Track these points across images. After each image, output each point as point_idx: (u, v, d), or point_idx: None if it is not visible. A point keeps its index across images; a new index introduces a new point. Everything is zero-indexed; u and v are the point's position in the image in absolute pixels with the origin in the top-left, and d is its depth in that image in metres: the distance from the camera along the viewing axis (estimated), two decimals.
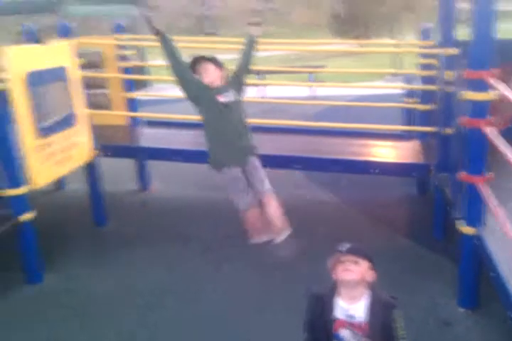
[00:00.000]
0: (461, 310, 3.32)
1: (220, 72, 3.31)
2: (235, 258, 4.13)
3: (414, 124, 5.28)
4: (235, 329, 3.21)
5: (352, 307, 2.01)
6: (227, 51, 5.31)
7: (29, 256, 3.76)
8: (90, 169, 4.72)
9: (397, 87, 9.81)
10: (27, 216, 3.68)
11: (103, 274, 3.93)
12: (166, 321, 3.31)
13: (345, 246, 2.04)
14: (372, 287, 2.06)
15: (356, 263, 2.01)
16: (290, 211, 5.01)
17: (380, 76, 13.56)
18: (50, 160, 3.96)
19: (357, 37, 18.82)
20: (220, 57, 3.39)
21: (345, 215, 4.94)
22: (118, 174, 5.86)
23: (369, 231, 4.55)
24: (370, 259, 2.06)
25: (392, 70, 11.25)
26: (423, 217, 4.62)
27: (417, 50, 5.34)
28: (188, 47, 4.97)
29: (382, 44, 15.32)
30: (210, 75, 3.26)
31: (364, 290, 2.03)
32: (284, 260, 3.97)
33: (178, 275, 3.89)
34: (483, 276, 3.02)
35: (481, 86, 3.02)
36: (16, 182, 3.64)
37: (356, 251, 2.03)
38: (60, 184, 5.77)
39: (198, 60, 3.29)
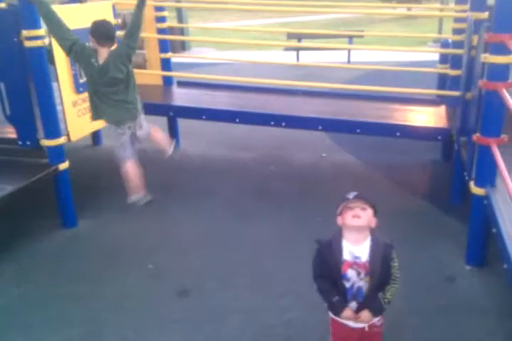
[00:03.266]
0: (467, 267, 3.45)
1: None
2: (256, 211, 4.36)
3: (446, 90, 5.27)
4: (256, 272, 3.47)
5: (357, 249, 2.17)
6: None
7: (65, 203, 4.06)
8: None
9: (423, 51, 9.64)
10: (63, 165, 3.98)
11: (133, 221, 4.22)
12: (193, 264, 3.58)
13: (353, 193, 2.20)
14: (373, 231, 2.22)
15: (364, 209, 2.17)
16: (313, 171, 5.22)
17: (423, 42, 13.21)
18: (86, 115, 4.22)
19: (403, 1, 18.21)
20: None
21: (367, 177, 5.06)
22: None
23: (388, 192, 4.66)
24: (374, 207, 2.21)
25: (432, 35, 10.97)
26: (444, 182, 4.68)
27: (446, 14, 5.26)
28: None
29: (429, 8, 14.87)
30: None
31: (367, 234, 2.20)
32: (302, 216, 4.21)
33: (204, 225, 4.14)
34: (492, 238, 3.12)
35: (502, 49, 3.04)
36: (53, 134, 3.92)
37: (364, 198, 2.19)
38: (96, 140, 6.08)
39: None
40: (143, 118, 3.80)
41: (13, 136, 4.00)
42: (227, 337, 2.87)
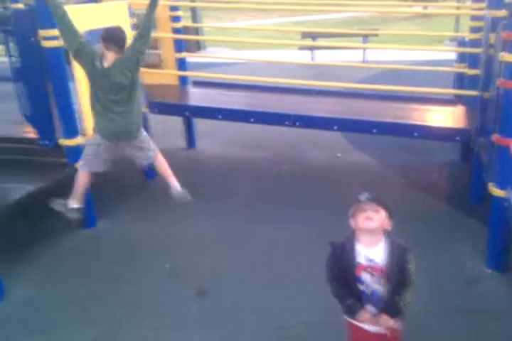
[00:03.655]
0: (488, 270, 3.40)
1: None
2: (271, 211, 4.36)
3: (463, 89, 5.21)
4: (271, 272, 3.48)
5: (371, 252, 2.14)
6: None
7: (84, 203, 4.09)
8: None
9: (440, 50, 9.53)
10: None
11: (151, 221, 4.26)
12: (210, 264, 3.60)
13: (366, 195, 2.15)
14: (387, 233, 2.19)
15: (377, 211, 2.12)
16: (328, 172, 5.19)
17: (439, 41, 13.07)
18: None
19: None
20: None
21: (383, 178, 5.02)
22: (168, 132, 6.14)
23: (406, 193, 4.63)
24: (388, 209, 2.16)
25: (449, 33, 10.86)
26: (462, 183, 4.63)
27: (462, 12, 5.20)
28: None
29: (445, 6, 14.71)
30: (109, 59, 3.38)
31: (381, 237, 2.16)
32: (317, 216, 4.19)
33: (221, 226, 4.16)
34: None
35: None
36: (72, 134, 3.95)
37: (376, 200, 2.14)
38: None
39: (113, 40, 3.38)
40: (145, 140, 3.65)
41: (32, 135, 4.04)
42: (243, 337, 2.88)
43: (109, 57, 3.40)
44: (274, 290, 3.28)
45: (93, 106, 3.52)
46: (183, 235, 4.04)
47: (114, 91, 3.41)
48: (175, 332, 2.93)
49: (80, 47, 3.39)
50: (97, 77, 3.40)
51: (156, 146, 3.75)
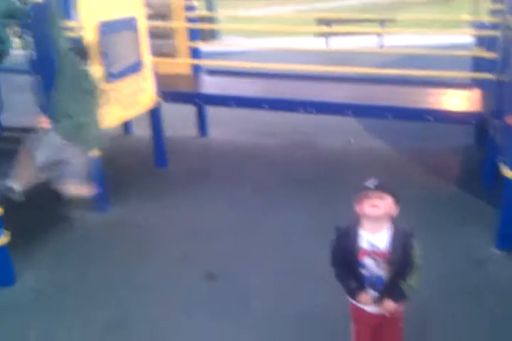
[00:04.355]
0: (497, 251, 3.39)
1: None
2: (283, 197, 4.37)
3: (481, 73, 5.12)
4: (283, 257, 3.51)
5: (375, 237, 2.14)
6: None
7: (97, 189, 4.15)
8: (153, 115, 5.04)
9: (458, 33, 9.34)
10: (94, 153, 4.06)
11: (162, 208, 4.30)
12: (221, 250, 3.63)
13: (372, 182, 2.12)
14: (393, 219, 2.17)
15: (382, 198, 2.10)
16: (342, 158, 5.18)
17: (458, 25, 12.81)
18: (117, 104, 4.29)
19: None
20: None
21: (398, 163, 4.99)
22: (180, 121, 6.18)
23: (420, 178, 4.60)
24: (394, 195, 2.14)
25: (468, 17, 10.62)
26: (477, 166, 4.57)
27: None
28: None
29: None
30: None
31: (386, 223, 2.15)
32: (328, 203, 4.19)
33: (234, 211, 4.18)
34: None
35: None
36: None
37: (382, 187, 2.12)
38: (127, 129, 6.18)
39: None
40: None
41: (46, 125, 4.09)
42: (254, 320, 2.90)
43: None
44: (286, 275, 3.30)
45: None
46: (195, 221, 4.07)
47: None
48: (184, 316, 2.96)
49: None
50: None
51: None
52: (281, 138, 5.86)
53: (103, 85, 4.15)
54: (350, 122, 6.05)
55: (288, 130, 6.10)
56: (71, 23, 3.72)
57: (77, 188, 3.41)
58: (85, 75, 3.44)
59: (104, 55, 4.08)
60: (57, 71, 3.36)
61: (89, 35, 3.84)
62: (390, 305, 2.16)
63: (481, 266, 3.27)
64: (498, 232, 3.42)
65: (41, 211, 4.20)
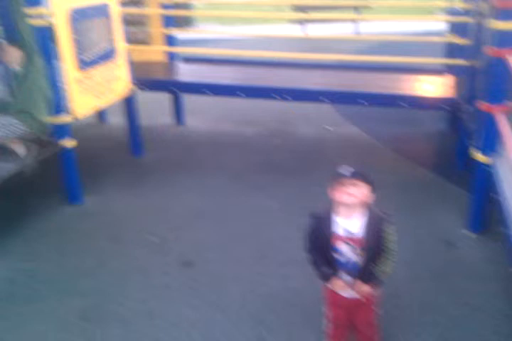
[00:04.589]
0: (467, 232, 3.47)
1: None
2: (260, 183, 4.39)
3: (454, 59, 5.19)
4: (258, 242, 3.53)
5: (349, 223, 2.15)
6: None
7: (70, 179, 4.09)
8: (129, 103, 4.99)
9: (430, 20, 9.41)
10: (69, 142, 4.01)
11: (138, 197, 4.27)
12: (197, 236, 3.63)
13: (347, 169, 2.12)
14: (369, 205, 2.18)
15: (356, 185, 2.10)
16: (319, 144, 5.22)
17: (431, 12, 12.89)
18: (91, 92, 4.22)
19: None
20: None
21: (374, 149, 5.05)
22: (156, 109, 6.14)
23: (394, 163, 4.67)
24: (369, 182, 2.14)
25: (441, 3, 10.71)
26: (449, 151, 4.67)
27: None
28: None
29: None
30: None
31: (361, 209, 2.16)
32: (305, 190, 4.23)
33: (210, 198, 4.18)
34: (495, 206, 3.11)
35: (511, 15, 2.99)
36: (57, 111, 3.94)
37: (357, 175, 2.11)
38: (102, 118, 6.11)
39: None
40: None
41: None
42: (230, 304, 2.92)
43: None
44: (261, 259, 3.33)
45: None
46: (171, 209, 4.06)
47: None
48: (160, 302, 2.97)
49: None
50: None
51: None
52: (260, 127, 5.87)
53: (76, 73, 4.12)
54: (329, 110, 6.09)
55: (267, 119, 6.11)
56: (40, 10, 3.64)
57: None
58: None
59: (76, 43, 4.01)
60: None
61: (60, 22, 3.76)
62: (364, 289, 2.19)
63: (452, 248, 3.34)
64: (469, 214, 3.50)
65: (16, 203, 4.15)
